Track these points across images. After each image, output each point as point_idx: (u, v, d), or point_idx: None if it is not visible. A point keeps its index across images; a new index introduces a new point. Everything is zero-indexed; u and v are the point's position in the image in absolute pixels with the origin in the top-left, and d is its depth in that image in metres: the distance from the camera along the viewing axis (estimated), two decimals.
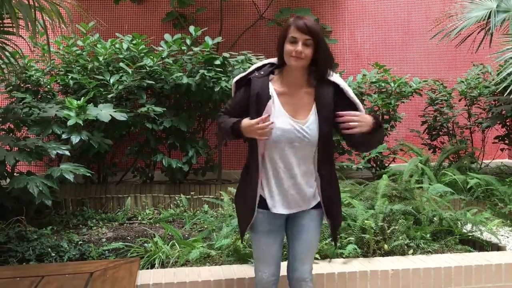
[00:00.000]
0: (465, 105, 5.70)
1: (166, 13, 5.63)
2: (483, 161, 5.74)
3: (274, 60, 2.26)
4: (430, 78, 5.74)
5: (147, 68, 4.48)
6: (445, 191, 4.18)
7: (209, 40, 4.60)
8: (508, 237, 3.83)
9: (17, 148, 3.69)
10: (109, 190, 4.59)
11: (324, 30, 5.99)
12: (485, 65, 5.65)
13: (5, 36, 3.52)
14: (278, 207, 2.22)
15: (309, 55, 2.10)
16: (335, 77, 2.22)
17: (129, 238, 3.72)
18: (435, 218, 3.66)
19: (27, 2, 3.12)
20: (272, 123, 2.09)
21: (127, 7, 5.62)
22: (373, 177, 5.24)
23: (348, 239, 3.28)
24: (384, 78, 5.34)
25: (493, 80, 5.45)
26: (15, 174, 3.75)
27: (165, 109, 4.49)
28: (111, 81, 4.35)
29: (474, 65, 5.75)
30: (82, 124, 3.89)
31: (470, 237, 3.60)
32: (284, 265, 2.43)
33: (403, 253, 3.30)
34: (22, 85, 4.42)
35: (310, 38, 2.08)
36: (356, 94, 5.02)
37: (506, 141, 5.65)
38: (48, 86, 4.48)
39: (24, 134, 4.32)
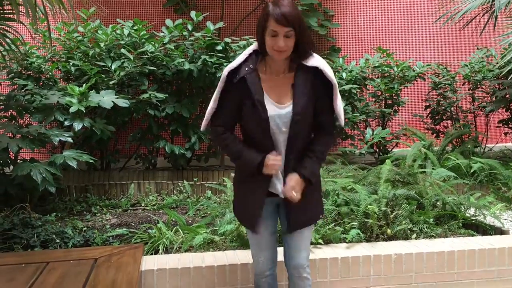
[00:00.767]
0: (468, 89, 5.66)
1: None
2: (487, 145, 5.72)
3: (257, 46, 2.21)
4: (433, 62, 5.69)
5: (149, 54, 4.46)
6: (448, 175, 4.18)
7: (210, 26, 4.56)
8: (511, 221, 3.83)
9: (20, 135, 3.69)
10: (112, 177, 4.60)
11: (326, 14, 5.94)
12: (489, 48, 5.60)
13: (6, 23, 3.49)
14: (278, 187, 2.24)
15: (291, 45, 2.09)
16: (314, 59, 2.17)
17: (133, 224, 3.73)
18: (438, 203, 3.66)
19: None
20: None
21: None
22: (376, 162, 5.24)
23: (351, 224, 3.28)
24: (387, 62, 5.30)
25: (497, 63, 5.40)
26: (18, 161, 3.76)
27: (167, 95, 4.47)
28: (113, 67, 4.33)
29: (478, 48, 5.70)
30: (84, 111, 3.89)
31: (473, 221, 3.60)
32: (280, 252, 2.44)
33: (406, 238, 3.31)
34: (23, 72, 4.41)
35: (291, 30, 2.05)
36: (359, 79, 5.08)
37: (510, 125, 5.62)
38: (50, 73, 4.46)
39: (26, 121, 4.32)
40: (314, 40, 2.16)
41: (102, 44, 4.43)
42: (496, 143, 5.90)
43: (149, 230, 3.46)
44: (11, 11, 3.55)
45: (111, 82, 4.31)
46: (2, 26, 3.40)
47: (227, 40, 4.56)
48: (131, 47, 4.46)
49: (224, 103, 2.20)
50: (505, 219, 3.83)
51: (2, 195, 3.78)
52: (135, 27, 4.51)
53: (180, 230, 3.39)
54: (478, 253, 3.12)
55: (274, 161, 2.14)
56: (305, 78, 2.16)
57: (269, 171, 2.16)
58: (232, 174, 4.01)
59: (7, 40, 3.48)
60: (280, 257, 2.45)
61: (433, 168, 4.40)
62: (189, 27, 4.61)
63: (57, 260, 2.74)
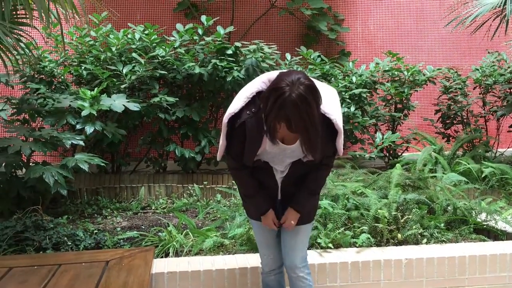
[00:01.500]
0: (479, 93, 5.63)
1: (177, 2, 5.62)
2: (498, 149, 5.67)
3: (260, 86, 2.17)
4: (444, 66, 5.67)
5: (160, 58, 4.49)
6: (459, 180, 4.15)
7: (221, 30, 4.59)
8: None
9: (32, 139, 3.74)
10: (123, 180, 4.63)
11: (336, 18, 5.95)
12: (500, 52, 5.56)
13: (20, 27, 3.54)
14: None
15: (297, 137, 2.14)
16: (326, 105, 2.12)
17: (143, 227, 3.75)
18: (449, 207, 3.64)
19: None
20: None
21: None
22: (386, 166, 5.22)
23: (361, 228, 3.28)
24: (397, 66, 5.29)
25: (508, 67, 5.37)
26: (30, 164, 3.80)
27: (177, 99, 4.50)
28: (124, 71, 4.37)
29: (489, 52, 5.67)
30: (96, 115, 3.92)
31: (484, 226, 3.58)
32: None
33: (417, 243, 3.30)
34: (36, 76, 4.46)
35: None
36: (369, 83, 5.07)
37: None
38: (62, 77, 4.51)
39: (39, 124, 4.37)
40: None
41: (113, 48, 4.47)
42: (508, 148, 5.86)
43: (160, 233, 3.48)
44: (24, 16, 3.60)
45: (122, 86, 4.34)
46: (16, 31, 3.44)
47: (237, 44, 4.58)
48: (142, 51, 4.50)
49: (232, 142, 2.24)
50: None
51: (15, 198, 3.82)
52: (146, 32, 4.55)
53: (190, 233, 3.41)
54: (489, 259, 3.10)
55: (271, 224, 2.36)
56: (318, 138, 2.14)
57: (265, 223, 2.38)
58: None
59: (21, 44, 3.52)
60: None
61: (443, 173, 4.38)
62: (200, 31, 4.64)
63: (69, 262, 2.76)
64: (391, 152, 5.31)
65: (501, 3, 4.69)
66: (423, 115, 5.84)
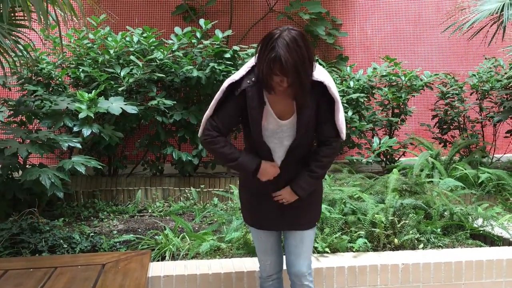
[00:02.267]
0: (476, 99, 5.65)
1: (176, 6, 5.63)
2: (495, 155, 5.69)
3: None
4: (441, 71, 5.69)
5: (157, 61, 4.49)
6: (456, 185, 4.16)
7: (219, 33, 4.59)
8: None
9: (29, 141, 3.73)
10: (119, 183, 4.62)
11: (334, 22, 5.96)
12: (497, 58, 5.59)
13: (18, 29, 3.53)
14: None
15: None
16: (319, 73, 2.15)
17: (139, 230, 3.74)
18: (445, 213, 3.64)
19: None
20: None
21: (137, 0, 5.62)
22: (383, 171, 5.23)
23: (358, 233, 3.28)
24: (394, 71, 5.31)
25: (505, 73, 5.40)
26: (27, 166, 3.79)
27: (175, 102, 4.50)
28: (122, 74, 4.36)
29: (486, 58, 5.70)
30: (93, 117, 3.92)
31: (481, 232, 3.58)
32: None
33: (414, 248, 3.30)
34: (33, 78, 4.45)
35: (295, 75, 2.03)
36: (366, 88, 5.09)
37: None
38: (60, 79, 4.51)
39: (36, 126, 4.36)
40: (313, 64, 2.12)
41: (111, 51, 4.47)
42: (504, 153, 5.88)
43: (156, 237, 3.47)
44: (23, 17, 3.60)
45: (120, 89, 4.34)
46: (14, 32, 3.44)
47: (236, 48, 4.58)
48: (140, 54, 4.50)
49: (220, 112, 2.21)
50: None
51: (11, 200, 3.81)
52: (145, 35, 4.55)
53: (186, 237, 3.40)
54: (486, 264, 3.10)
55: (272, 169, 2.24)
56: (309, 92, 2.16)
57: (265, 178, 2.24)
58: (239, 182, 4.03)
59: (19, 46, 3.52)
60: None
61: (440, 178, 4.39)
62: (198, 34, 4.64)
63: (65, 265, 2.75)
64: (388, 157, 5.32)
65: (498, 9, 4.72)
66: (420, 120, 5.86)
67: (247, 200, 2.43)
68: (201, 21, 4.72)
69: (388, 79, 5.31)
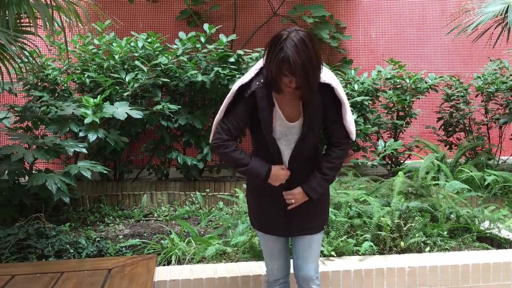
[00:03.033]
0: (481, 101, 5.63)
1: (180, 11, 5.65)
2: (501, 157, 5.67)
3: None
4: (446, 74, 5.68)
5: (162, 66, 4.51)
6: (462, 188, 4.15)
7: (223, 38, 4.61)
8: None
9: (35, 146, 3.75)
10: (125, 187, 4.64)
11: (338, 26, 5.97)
12: (502, 60, 5.57)
13: (24, 35, 3.56)
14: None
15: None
16: (326, 75, 2.17)
17: (145, 234, 3.75)
18: (452, 215, 3.63)
19: (44, 2, 3.16)
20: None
21: (142, 5, 5.65)
22: (388, 174, 5.22)
23: (364, 236, 3.27)
24: (399, 74, 5.30)
25: (510, 75, 5.38)
26: (33, 171, 3.81)
27: (180, 106, 4.51)
28: (127, 79, 4.38)
29: (491, 60, 5.68)
30: (99, 122, 3.94)
31: (487, 234, 3.56)
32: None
33: (420, 251, 3.28)
34: (39, 83, 4.48)
35: (303, 76, 2.04)
36: (371, 91, 5.08)
37: None
38: (65, 85, 4.53)
39: (42, 132, 4.38)
40: (320, 67, 2.12)
41: (116, 56, 4.49)
42: (510, 155, 5.85)
43: (162, 241, 3.47)
44: (28, 24, 3.63)
45: (125, 94, 4.36)
46: (21, 39, 3.46)
47: (240, 52, 4.60)
48: (145, 59, 4.52)
49: (231, 114, 2.20)
50: None
51: (18, 205, 3.83)
52: (149, 40, 4.57)
53: (192, 241, 3.40)
54: (493, 267, 3.08)
55: (282, 172, 2.23)
56: (316, 92, 2.16)
57: (275, 183, 2.24)
58: (244, 185, 4.03)
59: (25, 52, 3.54)
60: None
61: (446, 181, 4.37)
62: (202, 39, 4.66)
63: (72, 270, 2.75)
64: (393, 159, 5.31)
65: (503, 11, 4.71)
66: (425, 123, 5.84)
67: (255, 205, 2.41)
68: (205, 26, 4.74)
69: (392, 82, 5.30)
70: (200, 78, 4.41)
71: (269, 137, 2.21)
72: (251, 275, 2.89)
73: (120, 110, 4.02)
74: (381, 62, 5.83)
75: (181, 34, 4.72)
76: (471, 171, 4.62)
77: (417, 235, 3.29)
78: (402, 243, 3.27)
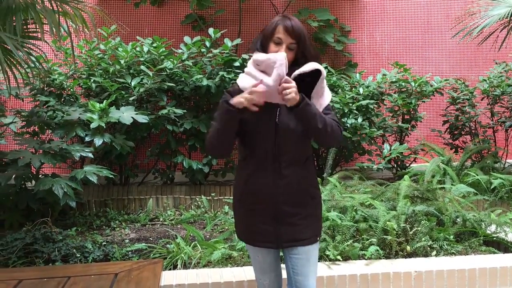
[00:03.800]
0: (487, 104, 5.61)
1: (185, 15, 5.68)
2: (507, 160, 5.64)
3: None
4: (451, 77, 5.67)
5: (168, 71, 4.53)
6: (468, 191, 4.13)
7: (228, 42, 4.62)
8: None
9: (42, 151, 3.77)
10: (131, 192, 4.65)
11: (343, 29, 5.97)
12: (508, 63, 5.56)
13: (30, 41, 3.58)
14: None
15: (291, 60, 2.08)
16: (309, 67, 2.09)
17: (151, 239, 3.76)
18: (458, 219, 3.61)
19: (51, 8, 3.19)
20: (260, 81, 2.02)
21: (147, 10, 5.68)
22: (394, 177, 5.21)
23: (370, 240, 3.26)
24: (404, 77, 5.29)
25: None
26: (40, 176, 3.83)
27: (185, 111, 4.53)
28: (132, 83, 4.40)
29: (496, 63, 5.67)
30: (105, 127, 3.95)
31: (494, 238, 3.55)
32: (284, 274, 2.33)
33: (426, 255, 3.28)
34: (46, 88, 4.51)
35: (294, 42, 2.05)
36: (376, 94, 5.08)
37: None
38: (71, 90, 4.56)
39: (48, 136, 4.41)
40: (319, 55, 2.13)
41: (122, 61, 4.52)
42: None
43: (168, 245, 3.48)
44: (35, 29, 3.65)
45: (130, 98, 4.38)
46: (27, 44, 3.49)
47: (245, 56, 4.61)
48: (151, 64, 4.54)
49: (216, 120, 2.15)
50: None
51: (24, 210, 3.85)
52: (154, 44, 4.59)
53: (198, 245, 3.41)
54: (500, 271, 3.07)
55: (248, 98, 2.00)
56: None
57: (254, 100, 2.00)
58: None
59: (32, 57, 3.57)
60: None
61: (452, 184, 4.36)
62: (207, 43, 4.68)
63: (78, 274, 2.76)
64: (399, 163, 5.30)
65: (508, 14, 4.70)
66: (431, 126, 5.83)
67: (243, 214, 2.24)
68: (210, 30, 4.75)
69: (397, 85, 5.29)
70: (205, 82, 4.42)
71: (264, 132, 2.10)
72: None
73: (126, 114, 4.04)
74: (386, 66, 5.83)
75: (186, 39, 4.74)
76: (477, 175, 4.60)
77: (423, 239, 3.28)
78: (408, 247, 3.26)
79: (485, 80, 5.50)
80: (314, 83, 2.09)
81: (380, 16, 6.15)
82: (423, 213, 3.46)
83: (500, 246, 3.52)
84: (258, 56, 2.08)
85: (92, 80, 4.46)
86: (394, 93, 5.33)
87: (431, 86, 5.30)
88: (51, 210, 3.83)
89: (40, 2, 3.18)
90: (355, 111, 4.84)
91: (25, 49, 3.47)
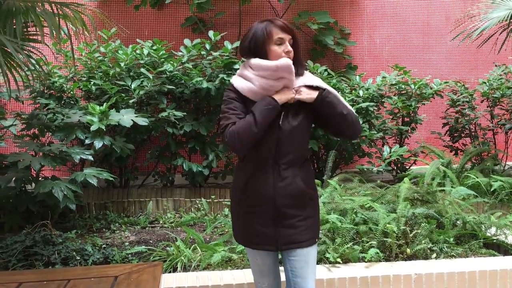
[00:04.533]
0: (487, 106, 5.62)
1: (185, 18, 5.69)
2: (507, 163, 5.64)
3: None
4: (451, 79, 5.67)
5: (167, 73, 4.53)
6: (468, 194, 4.13)
7: (228, 45, 4.63)
8: None
9: (42, 154, 3.77)
10: (131, 194, 4.65)
11: (342, 32, 5.98)
12: (507, 65, 5.56)
13: (30, 44, 3.59)
14: None
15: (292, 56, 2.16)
16: (308, 78, 2.20)
17: (151, 241, 3.76)
18: (458, 222, 3.61)
19: (51, 11, 3.19)
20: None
21: (147, 13, 5.69)
22: (394, 180, 5.21)
23: (370, 243, 3.26)
24: (404, 80, 5.30)
25: None
26: (40, 179, 3.83)
27: (185, 113, 4.53)
28: (132, 86, 4.41)
29: (496, 65, 5.67)
30: (105, 129, 3.95)
31: (494, 240, 3.55)
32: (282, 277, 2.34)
33: (426, 257, 3.27)
34: (46, 91, 4.51)
35: (291, 38, 2.16)
36: (375, 97, 5.08)
37: None
38: (71, 92, 4.56)
39: (48, 139, 4.41)
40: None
41: (122, 64, 4.52)
42: None
43: (168, 248, 3.48)
44: (35, 32, 3.66)
45: (130, 101, 4.38)
46: (27, 47, 3.49)
47: (245, 59, 4.60)
48: (151, 67, 4.54)
49: (229, 113, 2.14)
50: None
51: (24, 212, 3.85)
52: (154, 47, 4.60)
53: (198, 248, 3.41)
54: (500, 274, 3.07)
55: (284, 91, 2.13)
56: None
57: (288, 94, 2.11)
58: None
59: (32, 60, 3.57)
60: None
61: (452, 186, 4.36)
62: (207, 46, 4.68)
63: (78, 277, 2.76)
64: (399, 165, 5.30)
65: (508, 16, 4.71)
66: (431, 129, 5.83)
67: (241, 217, 2.25)
68: (210, 33, 4.76)
69: (397, 88, 5.30)
70: (205, 85, 4.43)
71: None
72: None
73: (126, 117, 4.04)
74: (386, 68, 5.84)
75: (186, 41, 4.74)
76: (477, 177, 4.60)
77: (423, 241, 3.28)
78: (408, 250, 3.25)
79: (485, 83, 5.51)
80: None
81: (379, 18, 6.16)
82: (423, 216, 3.46)
83: (500, 248, 3.52)
84: (262, 63, 2.12)
85: (92, 83, 4.46)
86: (394, 95, 5.33)
87: (431, 88, 5.30)
88: (51, 213, 3.83)
89: (40, 5, 3.18)
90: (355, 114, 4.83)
91: (25, 52, 3.48)
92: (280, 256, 2.42)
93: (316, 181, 2.52)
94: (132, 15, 5.64)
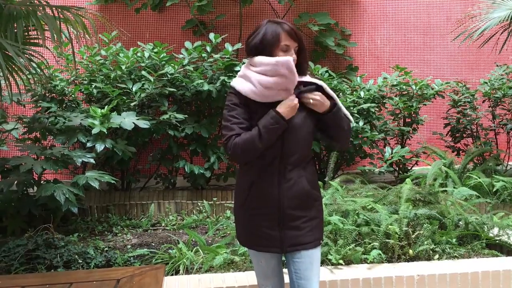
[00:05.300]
0: (488, 107, 5.61)
1: (186, 20, 5.69)
2: (509, 163, 5.63)
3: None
4: (452, 79, 5.67)
5: (169, 76, 4.54)
6: (470, 194, 4.13)
7: (229, 47, 4.63)
8: None
9: (43, 157, 3.78)
10: (132, 197, 4.65)
11: (343, 33, 5.98)
12: (508, 65, 5.55)
13: (32, 47, 3.60)
14: None
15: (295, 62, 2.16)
16: (310, 78, 2.26)
17: (153, 244, 3.76)
18: (460, 222, 3.61)
19: (52, 14, 3.20)
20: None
21: (148, 16, 5.69)
22: (395, 180, 5.20)
23: (372, 244, 3.25)
24: (405, 80, 5.29)
25: None
26: (41, 182, 3.83)
27: (186, 115, 4.53)
28: (134, 89, 4.41)
29: (497, 65, 5.66)
30: (106, 132, 3.96)
31: (497, 241, 3.54)
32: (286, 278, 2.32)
33: (429, 258, 3.27)
34: (47, 95, 4.52)
35: (297, 45, 2.17)
36: (377, 98, 5.08)
37: None
38: (73, 95, 4.57)
39: (50, 142, 4.41)
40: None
41: (123, 67, 4.53)
42: None
43: (170, 250, 3.48)
44: (36, 36, 3.67)
45: (132, 104, 4.39)
46: (29, 51, 3.50)
47: (245, 61, 4.59)
48: (152, 69, 4.55)
49: (232, 120, 2.14)
50: None
51: (26, 216, 3.86)
52: (155, 50, 4.60)
53: (200, 250, 3.41)
54: (502, 274, 3.06)
55: (290, 99, 2.13)
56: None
57: (293, 112, 2.12)
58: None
59: (33, 64, 3.58)
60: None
61: (454, 187, 4.35)
62: (208, 48, 4.69)
63: (81, 281, 2.77)
64: (400, 166, 5.29)
65: (509, 17, 4.71)
66: (432, 129, 5.83)
67: (245, 220, 2.23)
68: (211, 35, 4.76)
69: (399, 88, 5.30)
70: (206, 87, 4.43)
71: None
72: None
73: (127, 120, 4.05)
74: (387, 69, 5.83)
75: (187, 44, 4.75)
76: (479, 177, 4.59)
77: (425, 242, 3.27)
78: (410, 251, 3.25)
79: (486, 83, 5.50)
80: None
81: (380, 19, 6.16)
82: (425, 217, 3.45)
83: (503, 249, 3.51)
84: (264, 59, 2.14)
85: (93, 86, 4.47)
86: (395, 96, 5.33)
87: (432, 89, 5.30)
88: (53, 216, 3.83)
89: (41, 8, 3.19)
90: (356, 115, 4.84)
91: (27, 56, 3.49)
92: (283, 258, 2.42)
93: (318, 182, 2.53)
94: (133, 18, 5.65)
